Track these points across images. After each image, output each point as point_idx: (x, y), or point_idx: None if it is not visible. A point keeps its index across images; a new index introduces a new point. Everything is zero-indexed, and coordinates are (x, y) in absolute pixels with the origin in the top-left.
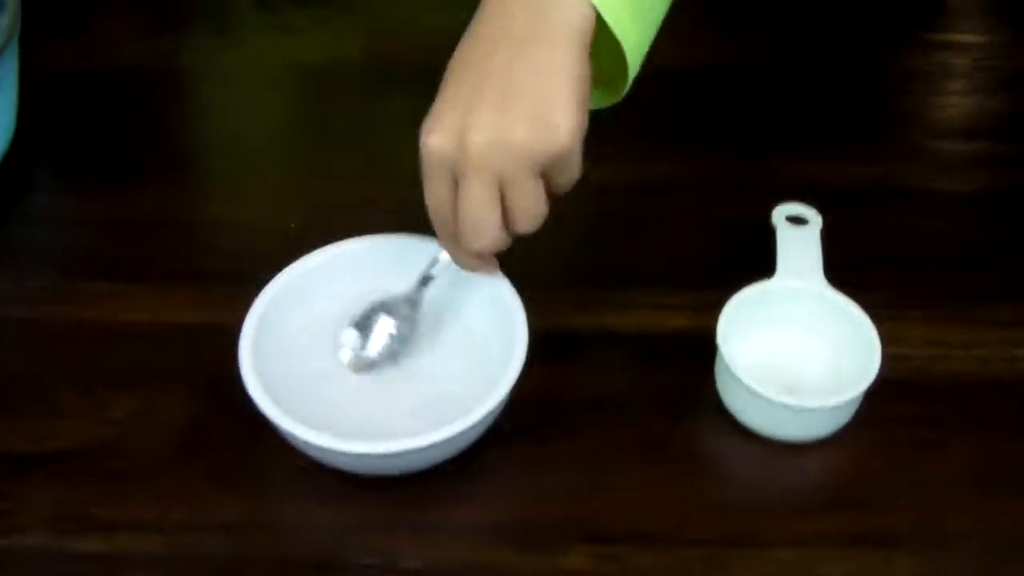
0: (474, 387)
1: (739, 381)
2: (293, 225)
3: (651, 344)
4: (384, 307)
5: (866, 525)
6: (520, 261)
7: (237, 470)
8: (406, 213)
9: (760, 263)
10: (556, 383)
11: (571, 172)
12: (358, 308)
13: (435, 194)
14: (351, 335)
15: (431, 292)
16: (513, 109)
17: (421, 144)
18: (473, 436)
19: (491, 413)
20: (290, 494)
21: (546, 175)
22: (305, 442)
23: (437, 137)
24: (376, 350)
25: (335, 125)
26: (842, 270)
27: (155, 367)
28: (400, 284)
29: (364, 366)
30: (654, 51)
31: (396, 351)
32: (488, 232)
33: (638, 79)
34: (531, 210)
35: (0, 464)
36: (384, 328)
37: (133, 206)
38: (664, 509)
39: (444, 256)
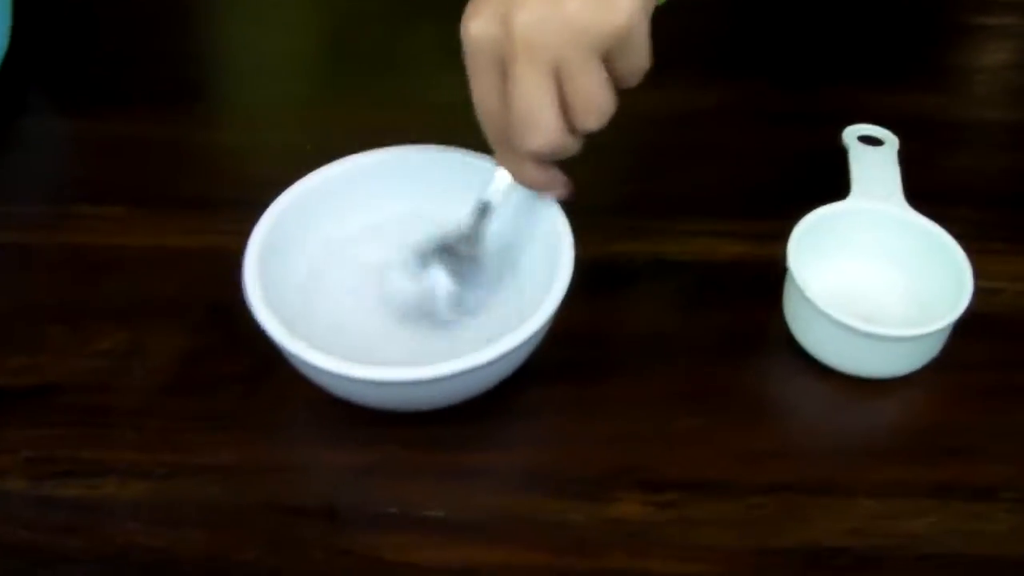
0: (513, 320)
1: (812, 306)
2: (309, 147)
3: (709, 274)
4: (440, 251)
5: (955, 475)
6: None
7: (238, 409)
8: (439, 139)
9: (830, 192)
10: (605, 317)
11: (636, 57)
12: (397, 241)
13: (482, 88)
14: (402, 286)
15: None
16: None
17: (463, 33)
18: (506, 369)
19: (525, 344)
20: (297, 435)
21: (608, 61)
22: (314, 367)
23: (479, 22)
24: (431, 308)
25: (360, 49)
26: (920, 199)
27: (150, 297)
28: (435, 202)
29: (414, 318)
30: None
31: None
32: (545, 126)
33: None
34: (594, 100)
35: None
36: (441, 282)
37: (132, 130)
38: (726, 454)
39: (502, 176)
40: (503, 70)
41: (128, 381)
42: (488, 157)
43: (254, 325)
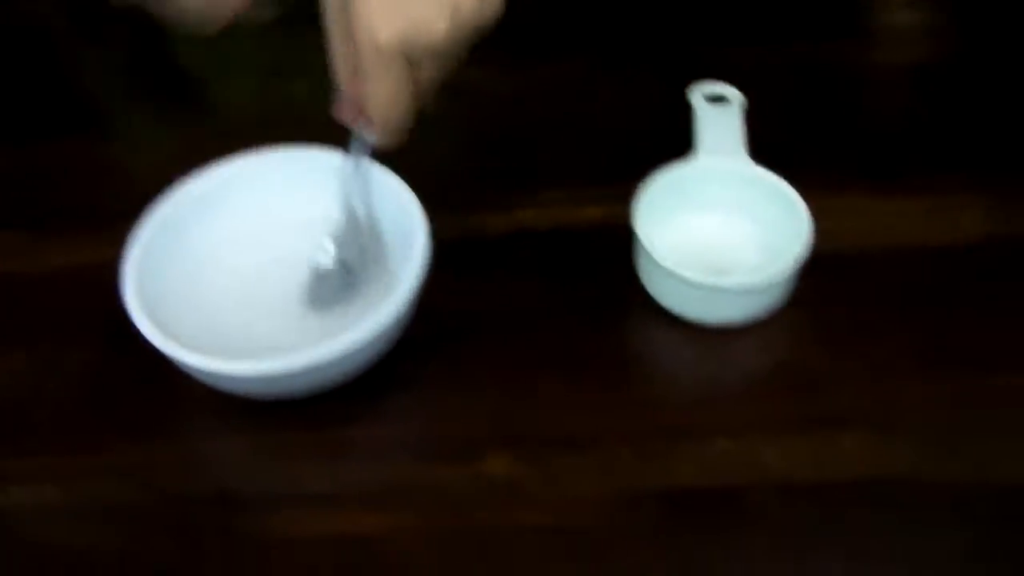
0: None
1: (660, 265)
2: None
3: (569, 240)
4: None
5: (809, 409)
6: (423, 165)
7: (136, 412)
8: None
9: (678, 149)
10: (471, 289)
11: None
12: (268, 241)
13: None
14: (276, 281)
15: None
16: None
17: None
18: (375, 349)
19: (390, 323)
20: (194, 430)
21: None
22: (192, 367)
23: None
24: (305, 297)
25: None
26: (767, 151)
27: (44, 316)
28: (300, 199)
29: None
30: None
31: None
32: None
33: None
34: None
35: None
36: (313, 272)
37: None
38: (589, 410)
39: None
40: None
41: (30, 395)
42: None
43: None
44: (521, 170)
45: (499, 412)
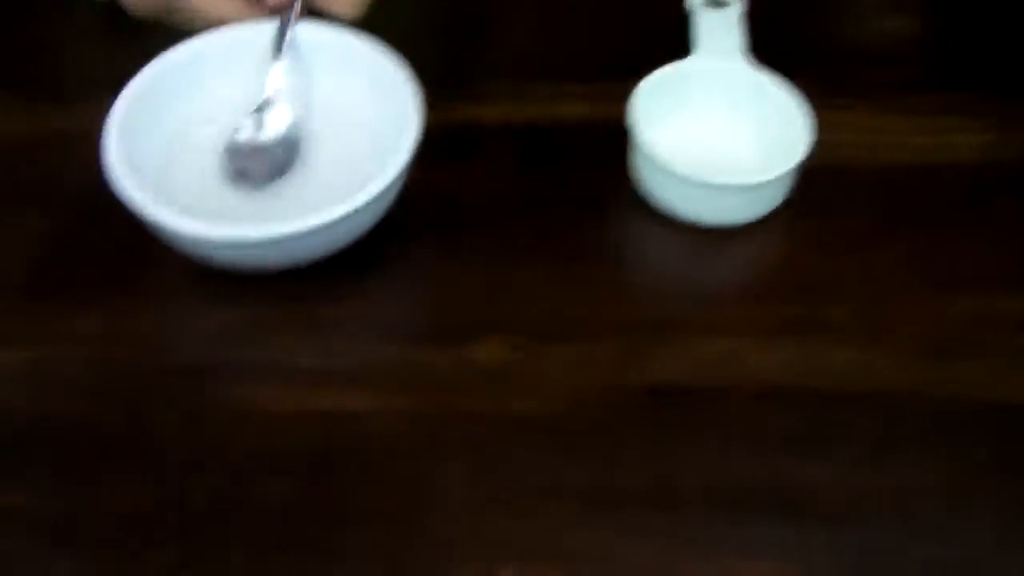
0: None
1: (654, 161)
2: None
3: (557, 136)
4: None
5: (799, 314)
6: (409, 54)
7: (103, 282)
8: None
9: (675, 54)
10: (456, 180)
11: None
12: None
13: None
14: (244, 123)
15: (319, 85)
16: None
17: None
18: (362, 224)
19: (379, 198)
20: (167, 301)
21: None
22: (177, 233)
23: None
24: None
25: None
26: (768, 57)
27: (5, 185)
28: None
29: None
30: None
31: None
32: None
33: None
34: None
35: None
36: (281, 115)
37: None
38: (579, 301)
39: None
40: None
41: None
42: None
43: (113, 205)
44: (512, 64)
45: (488, 298)
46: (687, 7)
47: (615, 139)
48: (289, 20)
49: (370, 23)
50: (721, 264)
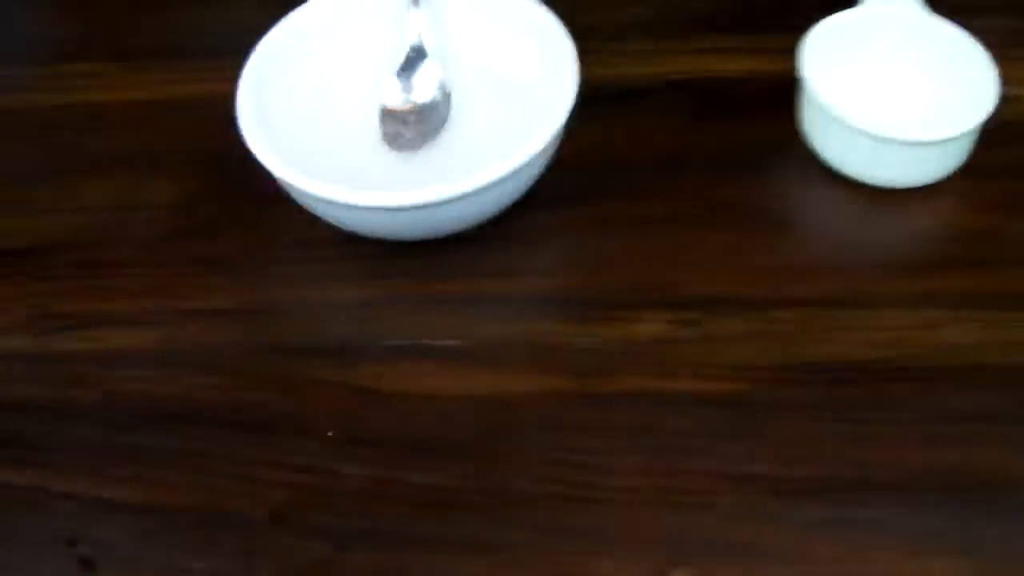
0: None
1: (829, 115)
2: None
3: (719, 92)
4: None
5: (982, 285)
6: (568, 10)
7: (236, 253)
8: None
9: (840, 6)
10: (613, 140)
11: None
12: (388, 73)
13: None
14: (392, 85)
15: (464, 37)
16: None
17: None
18: (512, 192)
19: (527, 166)
20: (302, 275)
21: None
22: (315, 197)
23: None
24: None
25: None
26: (945, 5)
27: (137, 151)
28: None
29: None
30: None
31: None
32: None
33: None
34: None
35: None
36: (431, 73)
37: None
38: (747, 270)
39: None
40: None
41: (122, 234)
42: None
43: (246, 170)
44: (671, 19)
45: (645, 267)
46: None
47: (781, 93)
48: None
49: None
50: (896, 229)
